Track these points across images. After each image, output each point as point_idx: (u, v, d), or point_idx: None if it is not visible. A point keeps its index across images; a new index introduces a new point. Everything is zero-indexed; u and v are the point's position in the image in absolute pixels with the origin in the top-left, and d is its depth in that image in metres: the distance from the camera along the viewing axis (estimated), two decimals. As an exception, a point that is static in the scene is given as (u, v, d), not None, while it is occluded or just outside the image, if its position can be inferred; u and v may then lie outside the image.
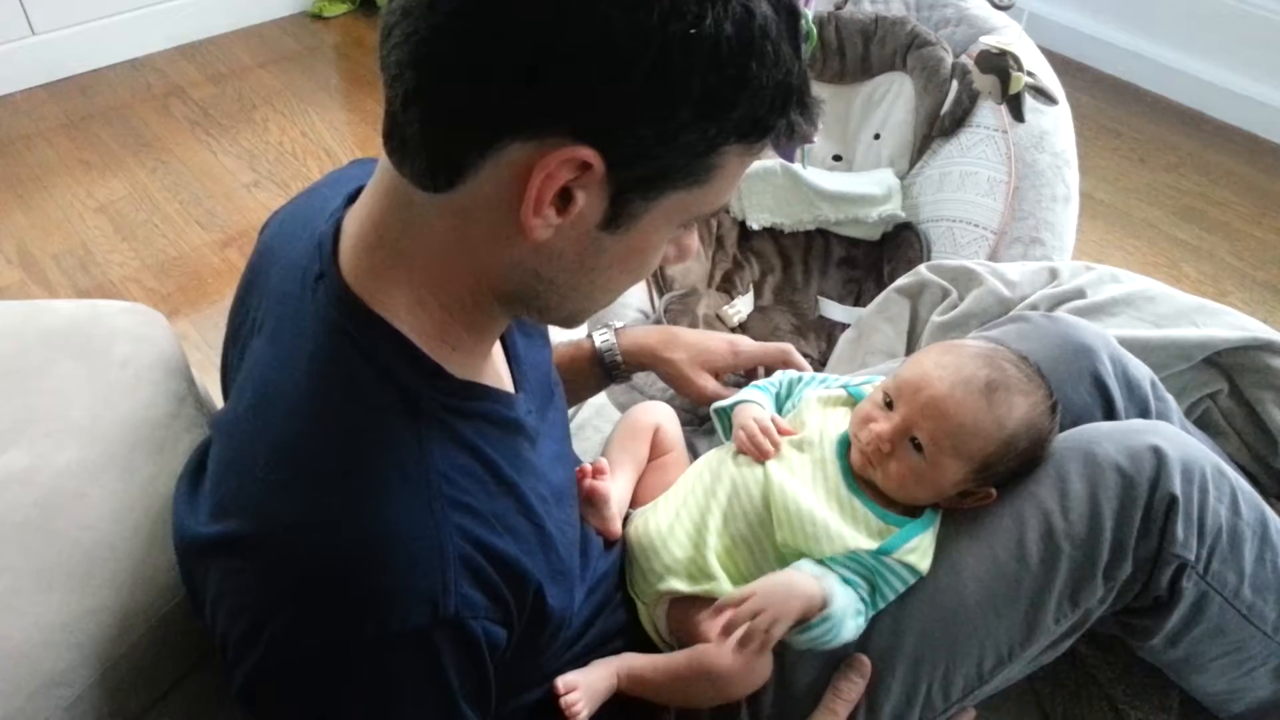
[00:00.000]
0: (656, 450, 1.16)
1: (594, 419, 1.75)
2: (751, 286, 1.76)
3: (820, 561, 0.98)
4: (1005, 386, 0.98)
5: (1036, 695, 1.21)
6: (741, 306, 1.68)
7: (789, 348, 1.21)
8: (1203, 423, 1.33)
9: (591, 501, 1.03)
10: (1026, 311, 1.22)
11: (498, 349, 0.87)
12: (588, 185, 0.63)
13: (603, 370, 1.21)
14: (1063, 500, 0.99)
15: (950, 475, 0.98)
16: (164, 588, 0.80)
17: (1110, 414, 1.14)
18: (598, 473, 1.04)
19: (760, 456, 1.03)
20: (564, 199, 0.64)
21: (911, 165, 1.76)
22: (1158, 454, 0.98)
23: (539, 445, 0.84)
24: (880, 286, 1.68)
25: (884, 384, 1.04)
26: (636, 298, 1.55)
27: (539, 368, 0.96)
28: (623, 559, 1.07)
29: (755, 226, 1.80)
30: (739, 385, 1.19)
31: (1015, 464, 1.00)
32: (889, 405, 1.01)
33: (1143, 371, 1.17)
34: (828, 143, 1.83)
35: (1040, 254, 1.53)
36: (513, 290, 0.72)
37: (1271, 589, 1.03)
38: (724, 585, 1.00)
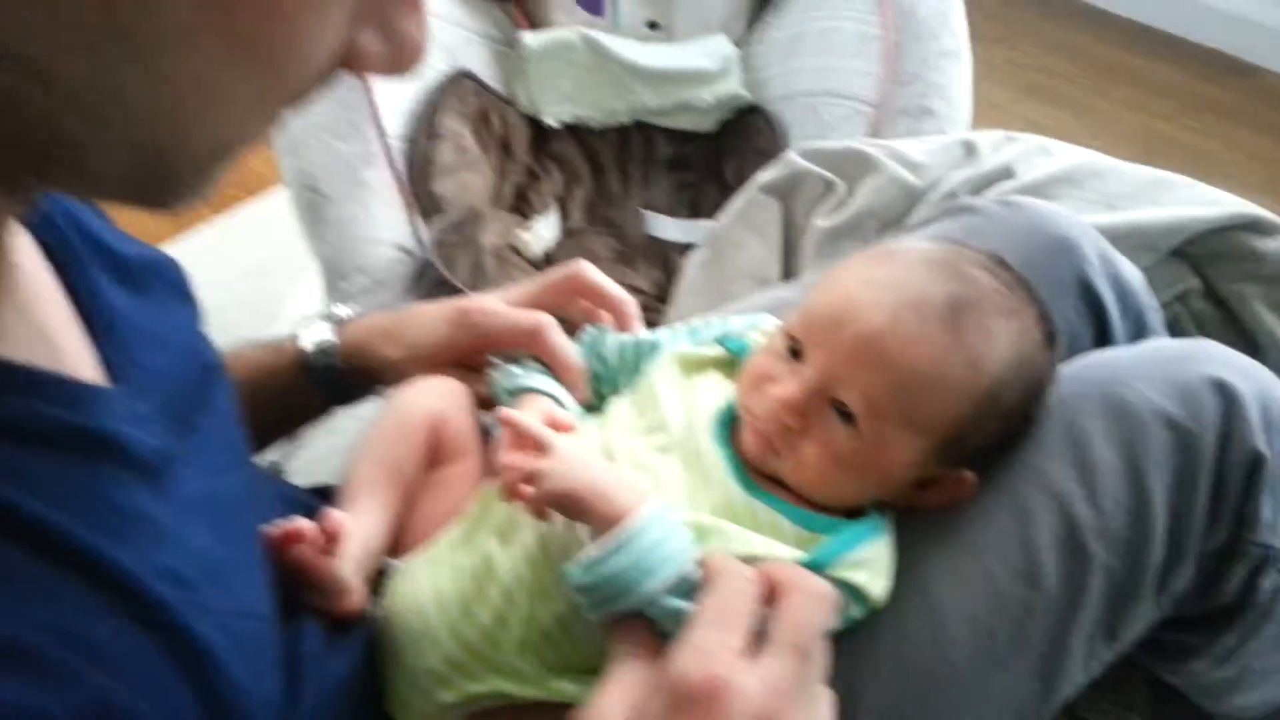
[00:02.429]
0: (440, 456, 0.71)
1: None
2: (555, 203, 1.31)
3: None
4: (977, 306, 0.61)
5: None
6: (543, 231, 1.24)
7: (579, 271, 0.74)
8: (1171, 334, 1.00)
9: (309, 581, 0.59)
10: (971, 200, 0.83)
11: (53, 302, 0.45)
12: None
13: (321, 388, 0.75)
14: (1086, 478, 0.65)
15: (900, 455, 0.62)
16: None
17: (1104, 338, 0.80)
18: (330, 540, 0.58)
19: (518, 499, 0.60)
20: None
21: (750, 26, 1.35)
22: (1223, 391, 0.65)
23: (171, 484, 0.46)
24: (723, 192, 1.27)
25: (787, 323, 0.66)
26: (390, 229, 1.08)
27: (171, 341, 0.52)
28: (371, 652, 0.64)
29: (553, 123, 1.35)
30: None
31: (1001, 429, 0.64)
32: (795, 354, 0.63)
33: (1133, 272, 0.82)
34: (639, 4, 1.38)
35: (933, 128, 1.17)
36: None
37: None
38: (568, 685, 0.61)
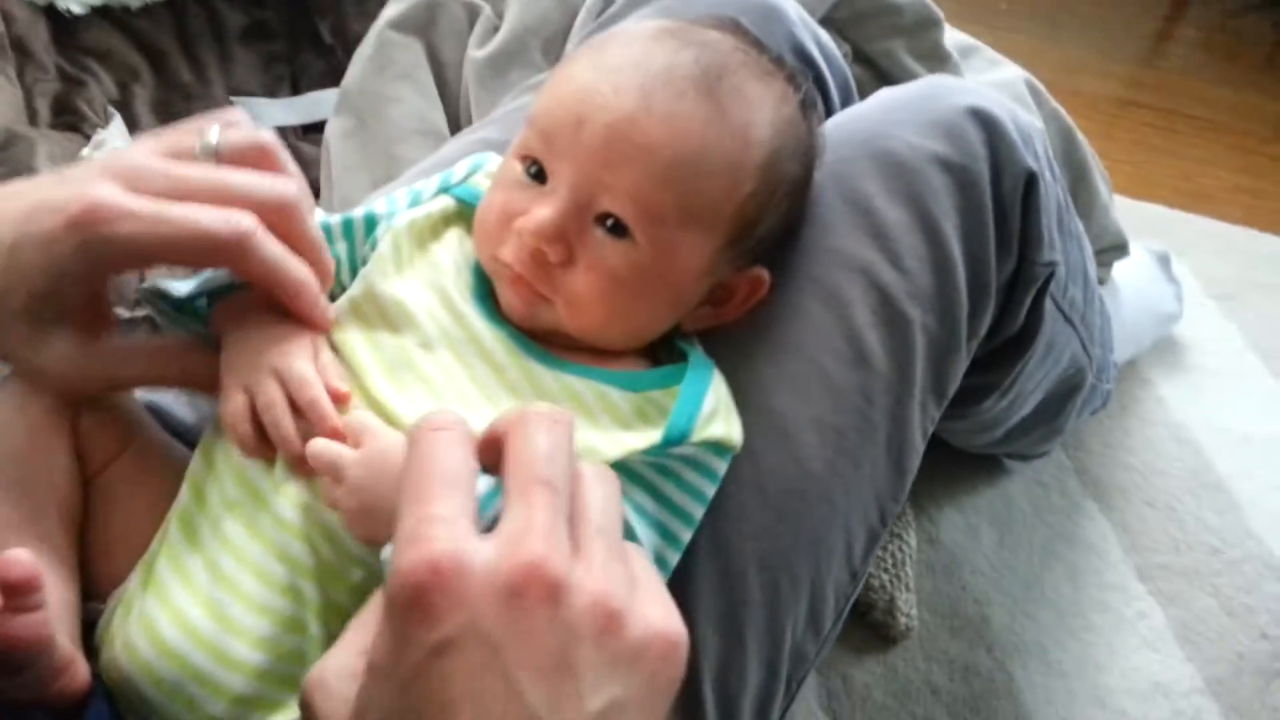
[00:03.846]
0: (93, 455, 0.52)
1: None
2: (112, 111, 1.02)
3: None
4: (729, 70, 0.53)
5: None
6: (111, 140, 0.96)
7: (265, 144, 0.50)
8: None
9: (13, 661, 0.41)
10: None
11: None
12: None
13: None
14: (882, 243, 0.61)
15: (689, 261, 0.53)
16: None
17: (824, 104, 0.74)
18: (19, 591, 0.40)
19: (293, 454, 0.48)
20: None
21: None
22: (980, 118, 0.63)
23: None
24: (325, 56, 1.07)
25: (516, 144, 0.54)
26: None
27: None
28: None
29: (75, 9, 1.04)
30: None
31: (787, 207, 0.58)
32: (536, 177, 0.52)
33: (826, 35, 0.77)
34: None
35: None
36: None
37: (1079, 267, 0.75)
38: None
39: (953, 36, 1.13)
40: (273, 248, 0.47)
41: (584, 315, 0.52)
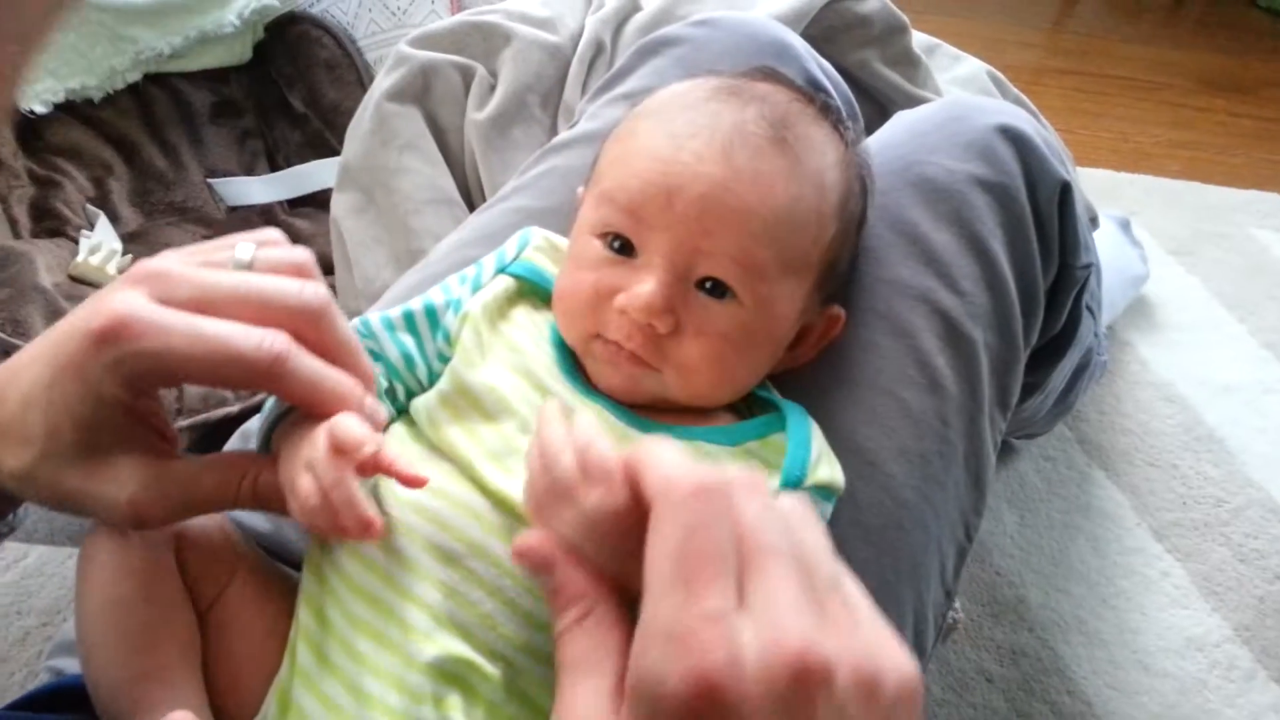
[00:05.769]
0: (205, 593, 0.50)
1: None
2: (95, 210, 1.00)
3: None
4: (791, 120, 0.54)
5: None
6: (104, 241, 0.94)
7: (299, 260, 0.47)
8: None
9: None
10: (663, 32, 0.73)
11: None
12: None
13: None
14: (937, 268, 0.63)
15: (787, 309, 0.54)
16: None
17: None
18: None
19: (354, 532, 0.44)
20: None
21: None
22: (1009, 134, 0.65)
23: None
24: (300, 127, 1.06)
25: (596, 221, 0.54)
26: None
27: None
28: None
29: (39, 108, 1.01)
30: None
31: (855, 242, 0.60)
32: (622, 249, 0.53)
33: (829, 65, 0.78)
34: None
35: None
36: None
37: (1098, 261, 0.77)
38: None
39: (915, 36, 1.16)
40: (308, 365, 0.44)
41: (696, 380, 0.52)
